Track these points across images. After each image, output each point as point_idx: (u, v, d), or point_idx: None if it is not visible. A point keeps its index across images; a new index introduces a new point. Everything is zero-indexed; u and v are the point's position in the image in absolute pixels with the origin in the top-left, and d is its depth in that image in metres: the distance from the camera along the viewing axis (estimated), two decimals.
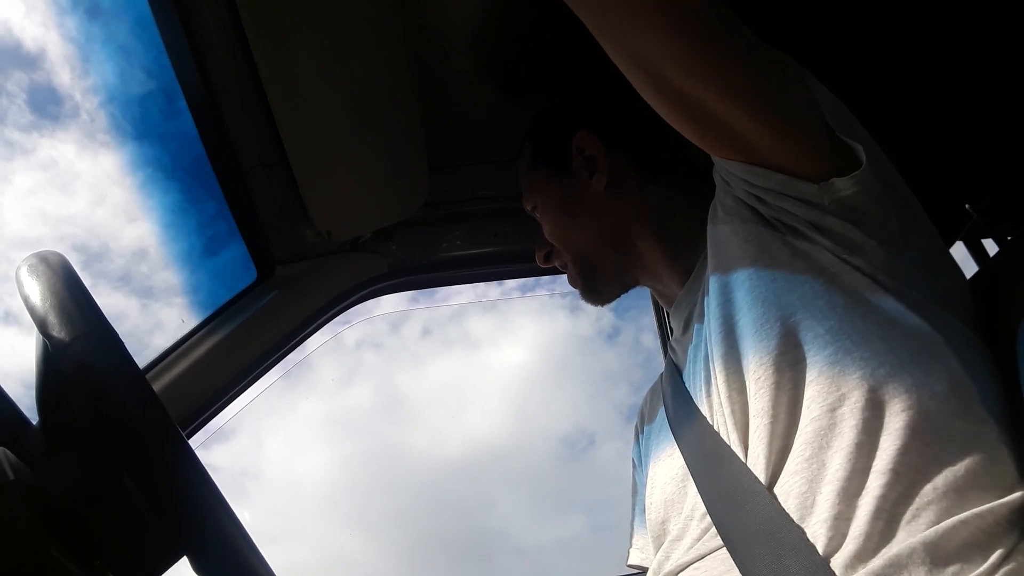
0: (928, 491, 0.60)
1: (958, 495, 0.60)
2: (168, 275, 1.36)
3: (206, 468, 0.51)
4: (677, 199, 0.99)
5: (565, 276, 1.11)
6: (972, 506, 0.59)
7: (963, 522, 0.58)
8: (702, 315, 0.84)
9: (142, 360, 1.20)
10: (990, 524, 0.58)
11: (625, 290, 1.09)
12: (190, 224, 1.30)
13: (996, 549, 0.57)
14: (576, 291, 1.11)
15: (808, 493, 0.65)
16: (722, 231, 0.79)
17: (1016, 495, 0.60)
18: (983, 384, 0.67)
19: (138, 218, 1.30)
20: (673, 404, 0.87)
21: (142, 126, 1.20)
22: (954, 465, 0.61)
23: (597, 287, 1.07)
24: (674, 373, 0.90)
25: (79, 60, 1.16)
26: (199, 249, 1.33)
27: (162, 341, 1.23)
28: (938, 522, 0.58)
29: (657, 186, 1.00)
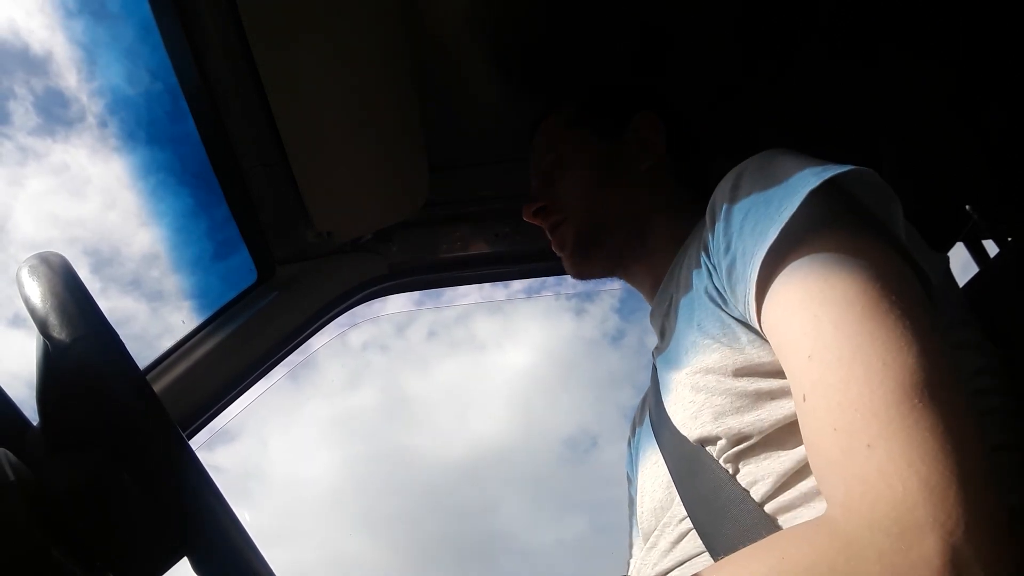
0: None
1: None
2: (180, 279, 1.36)
3: (206, 468, 0.51)
4: (690, 211, 0.97)
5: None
6: None
7: None
8: (673, 327, 0.84)
9: (144, 361, 1.20)
10: None
11: (606, 275, 1.07)
12: (201, 228, 1.30)
13: None
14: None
15: (803, 509, 0.63)
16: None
17: (1012, 498, 0.59)
18: (1008, 398, 0.67)
19: (149, 222, 1.30)
20: (655, 410, 0.86)
21: (151, 130, 1.21)
22: None
23: (591, 257, 1.03)
24: (655, 379, 0.90)
25: (85, 63, 1.16)
26: (210, 253, 1.33)
27: (171, 344, 1.23)
28: None
29: (684, 193, 1.02)
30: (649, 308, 1.00)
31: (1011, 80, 1.22)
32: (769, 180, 0.67)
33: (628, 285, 1.08)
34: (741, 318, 0.69)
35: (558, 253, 1.07)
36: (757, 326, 0.66)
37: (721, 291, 0.72)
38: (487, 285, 1.55)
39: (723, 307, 0.72)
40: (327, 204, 1.22)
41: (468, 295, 1.64)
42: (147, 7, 0.99)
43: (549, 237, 1.07)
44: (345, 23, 0.96)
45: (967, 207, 1.29)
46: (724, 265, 0.69)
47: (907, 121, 1.34)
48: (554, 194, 1.05)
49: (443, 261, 1.45)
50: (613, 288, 1.70)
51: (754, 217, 0.66)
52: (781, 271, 0.63)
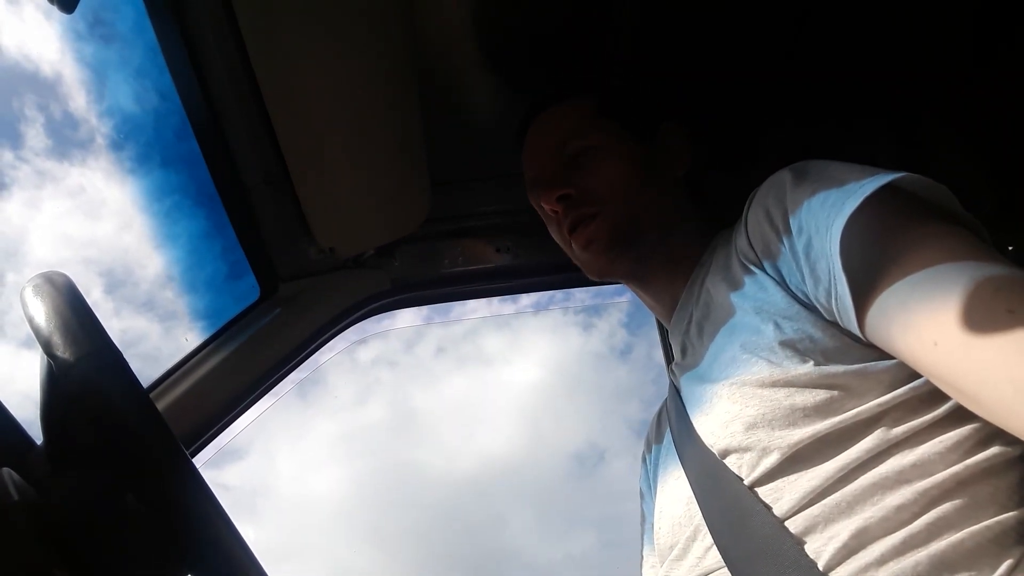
0: (949, 511, 0.59)
1: (974, 513, 0.59)
2: (194, 299, 1.36)
3: (210, 486, 0.52)
4: (704, 228, 1.00)
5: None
6: (983, 519, 0.58)
7: (971, 534, 0.57)
8: (701, 343, 0.85)
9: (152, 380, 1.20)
10: (997, 535, 0.57)
11: (626, 279, 1.02)
12: (216, 248, 1.31)
13: (1005, 560, 0.56)
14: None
15: (822, 522, 0.63)
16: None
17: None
18: None
19: (164, 243, 1.30)
20: (677, 427, 0.86)
21: (163, 151, 1.22)
22: (978, 486, 0.60)
23: (623, 256, 0.96)
24: (676, 396, 0.90)
25: (94, 84, 1.17)
26: (224, 273, 1.33)
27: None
28: (949, 537, 0.58)
29: (697, 209, 1.02)
30: (655, 321, 1.00)
31: (1012, 90, 1.23)
32: (835, 173, 0.69)
33: (636, 298, 1.07)
34: (825, 304, 0.68)
35: (578, 249, 0.98)
36: (849, 303, 0.64)
37: (794, 280, 0.72)
38: (495, 300, 1.56)
39: (799, 298, 0.72)
40: (329, 221, 1.22)
41: (476, 310, 1.64)
42: (150, 29, 1.00)
43: (564, 231, 0.98)
44: (347, 40, 0.97)
45: None
46: (800, 247, 0.70)
47: (908, 132, 1.34)
48: (585, 184, 0.96)
49: (445, 276, 1.46)
50: (620, 301, 1.70)
51: (824, 197, 0.68)
52: (865, 235, 0.64)
